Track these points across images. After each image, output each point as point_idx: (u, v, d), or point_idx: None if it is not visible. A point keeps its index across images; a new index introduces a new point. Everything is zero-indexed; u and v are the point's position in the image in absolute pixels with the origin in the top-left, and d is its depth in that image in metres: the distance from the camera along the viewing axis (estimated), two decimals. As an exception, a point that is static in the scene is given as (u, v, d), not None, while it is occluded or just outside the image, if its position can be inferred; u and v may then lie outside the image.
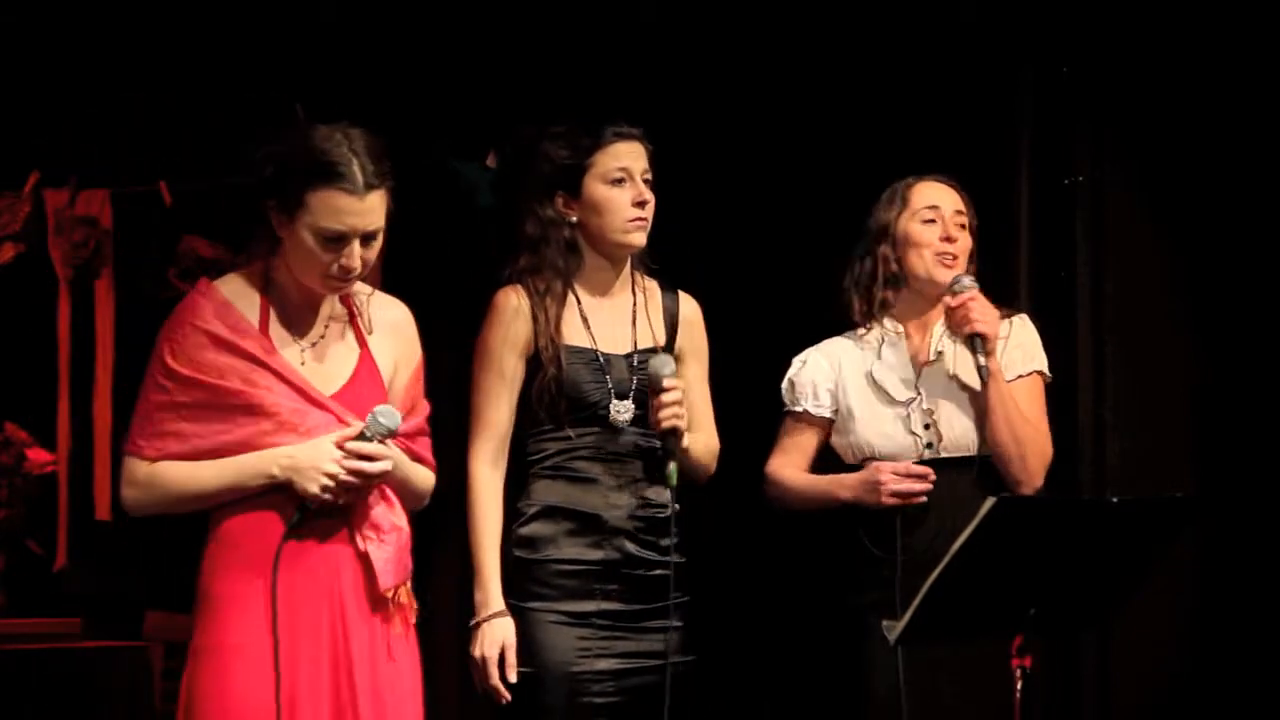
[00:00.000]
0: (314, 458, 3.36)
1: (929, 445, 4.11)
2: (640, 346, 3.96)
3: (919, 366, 4.17)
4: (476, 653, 3.82)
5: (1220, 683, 4.78)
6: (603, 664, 3.84)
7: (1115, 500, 3.67)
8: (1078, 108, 4.92)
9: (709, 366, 4.10)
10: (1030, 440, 4.10)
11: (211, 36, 5.76)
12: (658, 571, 3.88)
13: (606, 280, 3.98)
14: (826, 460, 4.28)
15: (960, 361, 4.14)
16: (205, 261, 6.46)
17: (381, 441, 3.39)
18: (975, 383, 4.09)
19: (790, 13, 5.32)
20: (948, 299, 4.10)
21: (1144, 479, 4.78)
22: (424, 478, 3.59)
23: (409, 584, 3.50)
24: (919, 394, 4.14)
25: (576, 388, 3.88)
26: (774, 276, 5.43)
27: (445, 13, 5.64)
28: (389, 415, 3.40)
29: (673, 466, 3.82)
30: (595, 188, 3.92)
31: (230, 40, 5.75)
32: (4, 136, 6.34)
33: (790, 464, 4.25)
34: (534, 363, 3.90)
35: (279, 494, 3.38)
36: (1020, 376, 4.16)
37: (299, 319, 3.49)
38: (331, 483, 3.35)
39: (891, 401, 4.15)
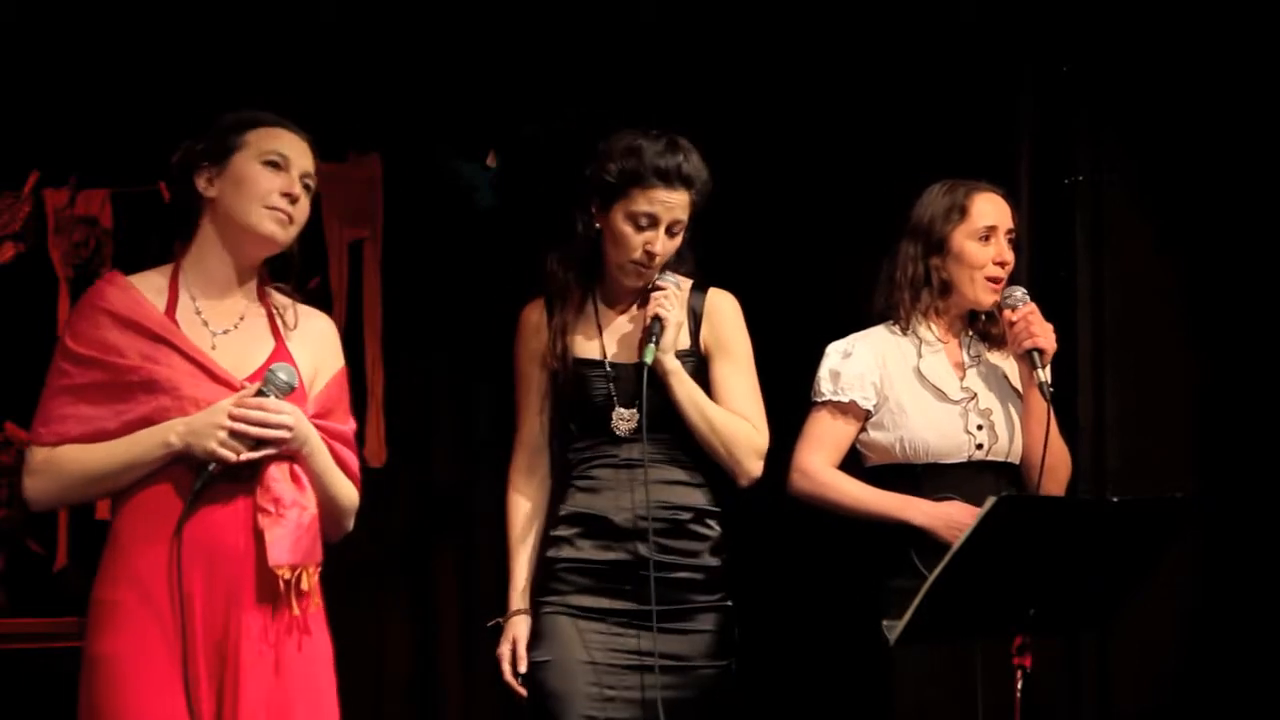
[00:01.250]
0: (208, 416, 3.28)
1: (979, 446, 4.09)
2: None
3: (961, 370, 4.17)
4: (498, 650, 3.99)
5: (1220, 683, 4.78)
6: (612, 659, 3.90)
7: (1115, 500, 3.67)
8: (1078, 108, 4.92)
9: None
10: (1062, 455, 4.16)
11: (211, 36, 5.75)
12: (681, 574, 3.92)
13: (621, 290, 4.02)
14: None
15: (1005, 369, 4.17)
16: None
17: (279, 397, 3.32)
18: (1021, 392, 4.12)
19: (792, 13, 5.32)
20: (1008, 313, 4.11)
21: (1144, 479, 4.77)
22: (345, 488, 3.48)
23: (314, 572, 3.34)
24: (973, 394, 4.13)
25: (580, 398, 3.96)
26: (773, 273, 5.43)
27: (445, 12, 5.64)
28: (285, 370, 3.34)
29: (650, 347, 3.87)
30: (618, 218, 3.93)
31: (231, 40, 5.74)
32: (4, 136, 6.34)
33: (829, 461, 4.16)
34: (554, 375, 4.02)
35: (166, 483, 3.29)
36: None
37: (211, 310, 3.44)
38: (227, 435, 3.25)
39: (945, 399, 4.12)
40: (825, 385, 4.18)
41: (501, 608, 4.05)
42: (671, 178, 3.88)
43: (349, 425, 3.53)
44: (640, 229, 3.89)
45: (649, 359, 3.87)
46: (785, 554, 5.28)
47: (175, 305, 3.41)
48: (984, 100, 5.04)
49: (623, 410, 3.94)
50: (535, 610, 3.99)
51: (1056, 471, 4.12)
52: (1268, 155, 4.81)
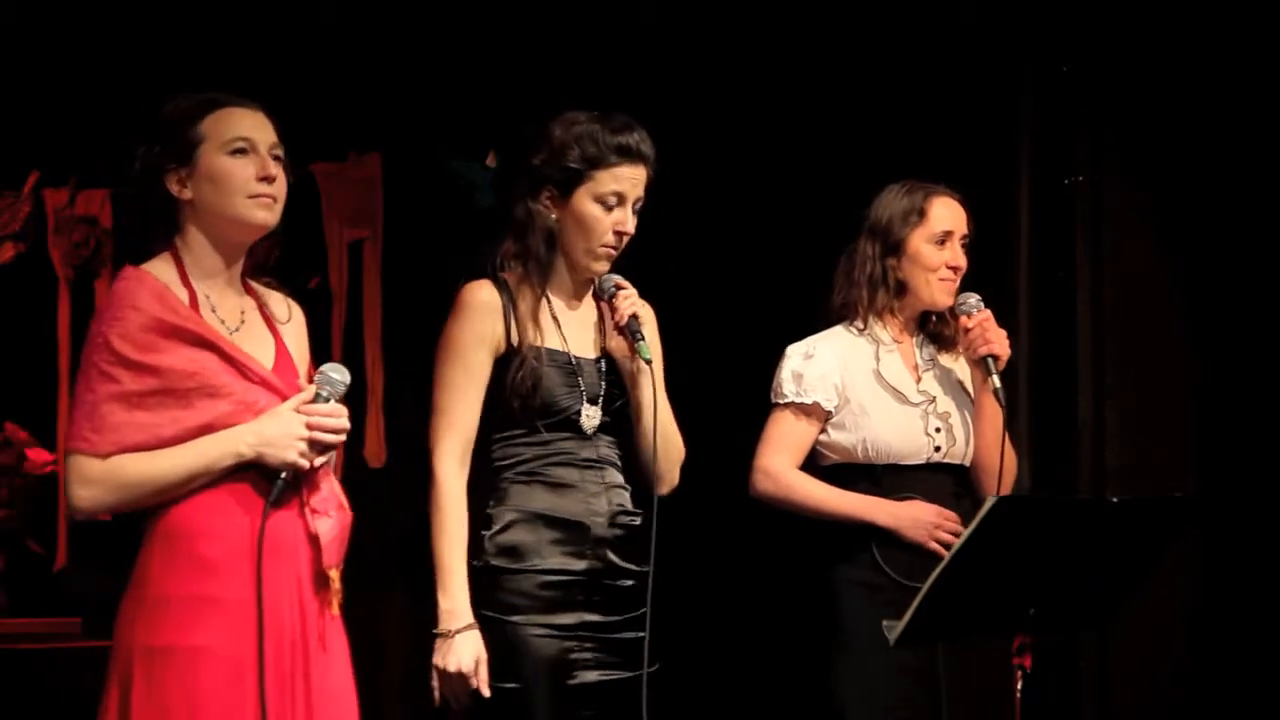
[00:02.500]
0: (283, 426, 3.26)
1: (938, 448, 4.12)
2: (605, 352, 3.85)
3: (913, 372, 4.19)
4: (451, 666, 3.63)
5: (1220, 683, 4.78)
6: (590, 676, 3.73)
7: (1115, 500, 3.67)
8: (1078, 108, 4.92)
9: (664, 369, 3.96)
10: (1011, 462, 4.17)
11: (212, 36, 5.75)
12: (628, 582, 3.78)
13: (576, 283, 3.87)
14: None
15: (958, 372, 4.19)
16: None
17: (335, 398, 3.31)
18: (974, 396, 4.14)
19: (791, 13, 5.33)
20: (964, 319, 4.13)
21: (1144, 479, 4.78)
22: None
23: (341, 570, 3.35)
24: (934, 397, 4.15)
25: (551, 391, 3.76)
26: (779, 277, 5.44)
27: (445, 12, 5.64)
28: (339, 370, 3.33)
29: (642, 343, 3.74)
30: (584, 202, 3.80)
31: (231, 40, 5.74)
32: (4, 136, 6.34)
33: (792, 462, 4.18)
34: (502, 361, 3.77)
35: (235, 483, 3.27)
36: None
37: (221, 306, 3.38)
38: (306, 446, 3.25)
39: (905, 401, 4.15)
40: (788, 387, 4.20)
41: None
42: (633, 154, 3.78)
43: None
44: (609, 209, 3.80)
45: (647, 355, 3.74)
46: (736, 552, 5.31)
47: (196, 303, 3.34)
48: (984, 100, 5.05)
49: (589, 408, 3.80)
50: (499, 626, 3.68)
51: (1007, 477, 4.16)
52: (1267, 155, 4.81)
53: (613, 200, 3.79)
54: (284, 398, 3.31)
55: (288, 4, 5.68)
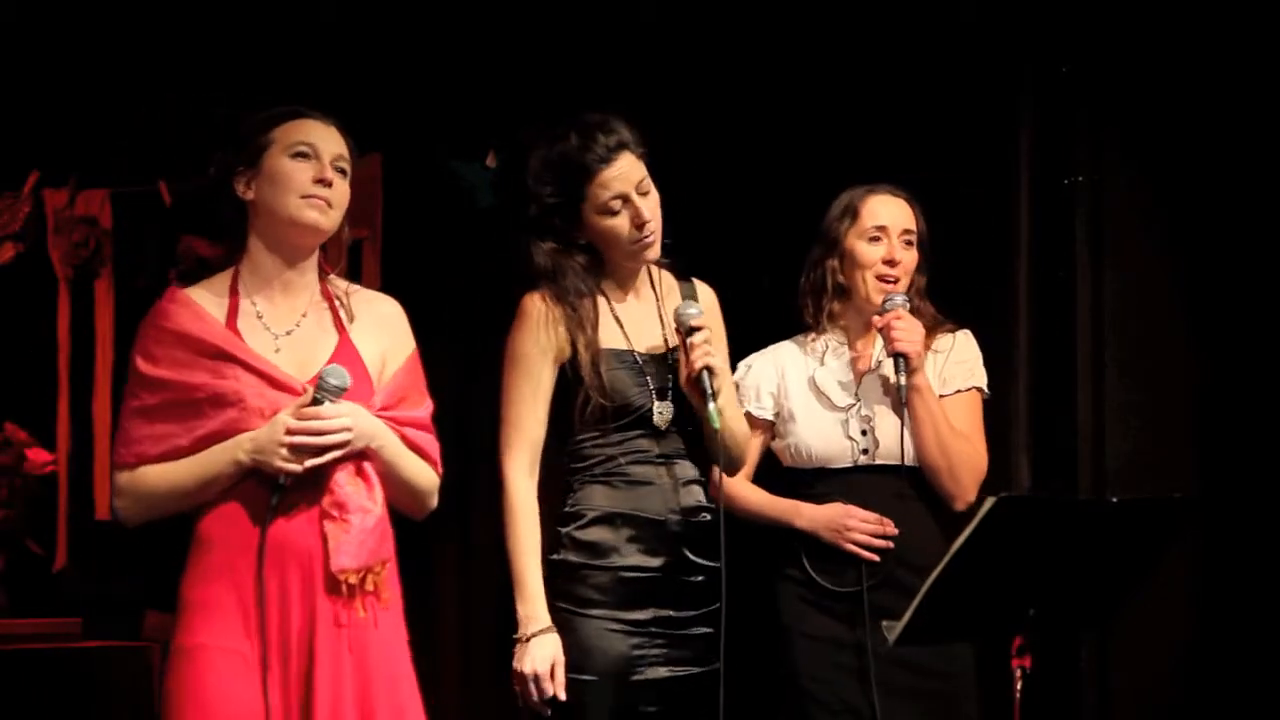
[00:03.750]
0: (269, 433, 3.36)
1: (865, 451, 4.16)
2: (671, 345, 3.88)
3: (859, 375, 4.22)
4: (527, 669, 3.71)
5: (1221, 683, 4.78)
6: (657, 673, 3.78)
7: (1115, 501, 3.66)
8: (1077, 108, 4.92)
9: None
10: (960, 454, 4.13)
11: (211, 36, 5.76)
12: (700, 578, 3.83)
13: (629, 278, 3.91)
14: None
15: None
16: (205, 261, 6.44)
17: (334, 400, 3.37)
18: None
19: (790, 12, 5.32)
20: (875, 318, 4.15)
21: (1144, 479, 4.77)
22: (421, 470, 3.55)
23: (380, 571, 3.43)
24: (858, 400, 4.18)
25: (621, 393, 3.81)
26: (760, 273, 5.44)
27: (445, 13, 5.64)
28: (336, 374, 3.39)
29: (713, 406, 3.74)
30: (593, 220, 3.83)
31: (230, 40, 5.75)
32: (4, 136, 6.35)
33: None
34: (567, 368, 3.82)
35: (246, 490, 3.38)
36: (959, 391, 4.22)
37: (273, 312, 3.50)
38: (288, 451, 3.34)
39: (832, 406, 4.20)
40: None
41: (504, 609, 3.82)
42: (610, 153, 3.80)
43: (423, 408, 3.57)
44: (616, 213, 3.83)
45: (715, 423, 3.72)
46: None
47: (236, 313, 3.47)
48: (984, 100, 5.04)
49: (660, 403, 3.84)
50: (574, 619, 3.76)
51: (956, 472, 4.12)
52: (1268, 155, 4.81)
53: (617, 204, 3.81)
54: None
55: (288, 5, 5.68)
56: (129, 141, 6.58)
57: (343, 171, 3.52)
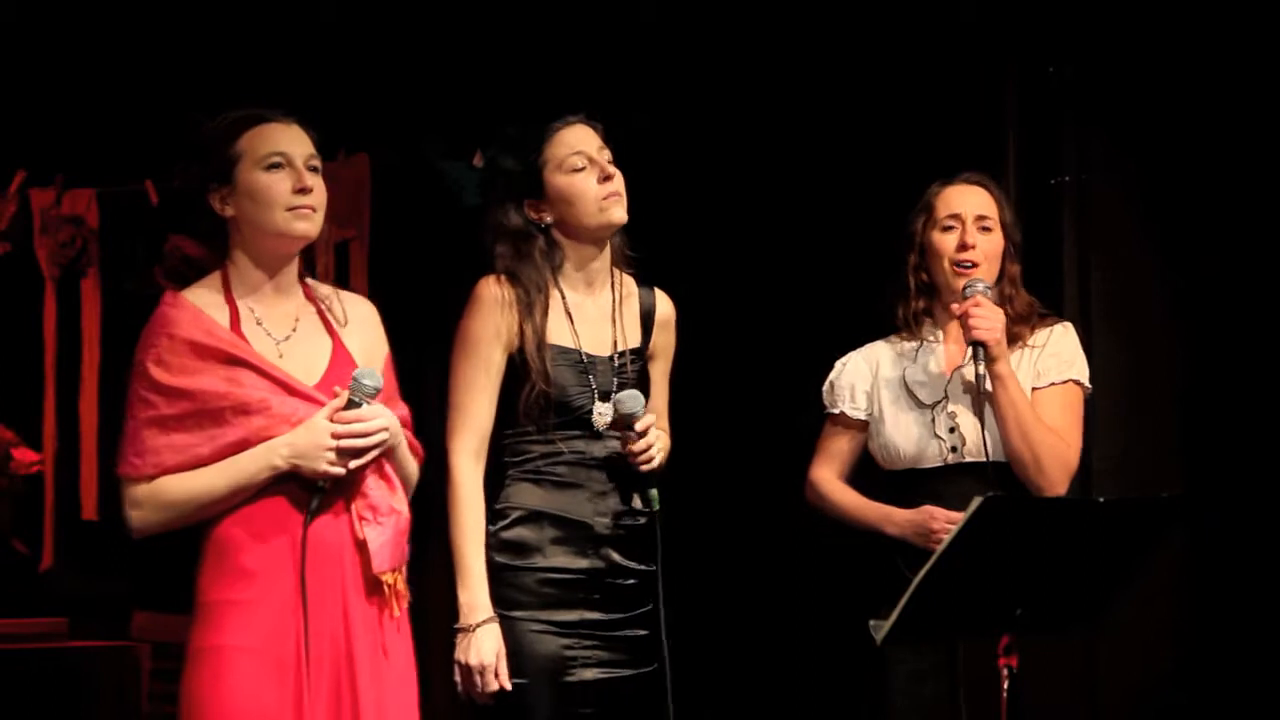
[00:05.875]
0: (312, 437, 3.35)
1: (953, 449, 4.06)
2: (620, 348, 3.86)
3: (950, 371, 4.13)
4: (473, 660, 3.68)
5: (1208, 682, 4.79)
6: (588, 674, 3.75)
7: (1102, 500, 3.66)
8: (1064, 108, 4.93)
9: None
10: (1046, 445, 4.00)
11: (202, 35, 5.75)
12: (632, 581, 3.80)
13: (589, 274, 3.87)
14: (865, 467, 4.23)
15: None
16: (191, 261, 6.44)
17: (369, 402, 3.39)
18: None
19: (780, 13, 5.33)
20: (954, 306, 4.06)
21: (1131, 479, 4.78)
22: (414, 468, 3.59)
23: (404, 572, 3.47)
24: (946, 397, 4.11)
25: (562, 391, 3.77)
26: (759, 275, 5.44)
27: (432, 13, 5.64)
28: (370, 375, 3.40)
29: (654, 492, 3.76)
30: (556, 180, 3.81)
31: (222, 39, 5.74)
32: (-9, 136, 6.34)
33: (833, 472, 4.20)
34: (515, 357, 3.78)
35: (273, 493, 3.37)
36: (1053, 384, 4.09)
37: (269, 317, 3.48)
38: (335, 455, 3.35)
39: (919, 405, 4.10)
40: (825, 398, 4.23)
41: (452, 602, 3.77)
42: (566, 119, 3.83)
43: (403, 407, 3.58)
44: (579, 169, 3.78)
45: (655, 507, 3.73)
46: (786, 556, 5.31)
47: (238, 319, 3.45)
48: (971, 100, 5.05)
49: (601, 405, 3.81)
50: (503, 622, 3.71)
51: (1043, 463, 4.00)
52: (1255, 154, 4.82)
53: (578, 160, 3.79)
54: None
55: (277, 5, 5.68)
56: (116, 141, 6.56)
57: (315, 169, 3.47)
